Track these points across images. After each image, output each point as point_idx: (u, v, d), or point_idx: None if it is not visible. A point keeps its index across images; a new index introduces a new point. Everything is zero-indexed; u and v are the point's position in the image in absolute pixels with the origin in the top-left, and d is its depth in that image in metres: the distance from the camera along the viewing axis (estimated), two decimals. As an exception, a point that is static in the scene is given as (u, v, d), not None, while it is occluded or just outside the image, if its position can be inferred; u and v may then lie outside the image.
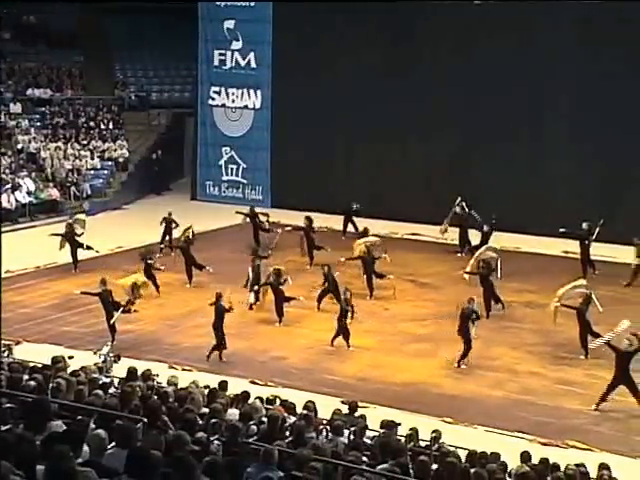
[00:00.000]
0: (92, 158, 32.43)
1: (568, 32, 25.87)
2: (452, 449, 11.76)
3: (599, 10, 25.33)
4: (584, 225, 22.36)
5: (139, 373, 12.80)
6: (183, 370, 16.74)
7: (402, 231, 26.09)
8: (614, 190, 25.59)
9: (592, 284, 21.27)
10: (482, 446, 12.09)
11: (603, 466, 11.46)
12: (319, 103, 29.19)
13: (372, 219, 26.01)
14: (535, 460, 11.45)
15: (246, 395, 12.81)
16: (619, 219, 24.52)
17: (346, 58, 28.78)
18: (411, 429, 12.51)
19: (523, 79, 26.32)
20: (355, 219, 25.99)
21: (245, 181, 31.49)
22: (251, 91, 31.06)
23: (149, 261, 21.39)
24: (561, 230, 22.36)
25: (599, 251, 22.72)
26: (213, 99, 31.74)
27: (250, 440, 9.26)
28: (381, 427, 12.26)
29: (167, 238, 24.65)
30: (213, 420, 9.66)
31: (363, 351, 18.12)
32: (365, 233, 23.24)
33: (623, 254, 23.35)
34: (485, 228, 23.42)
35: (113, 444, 6.89)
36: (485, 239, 23.20)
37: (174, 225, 24.66)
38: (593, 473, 11.28)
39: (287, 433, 10.18)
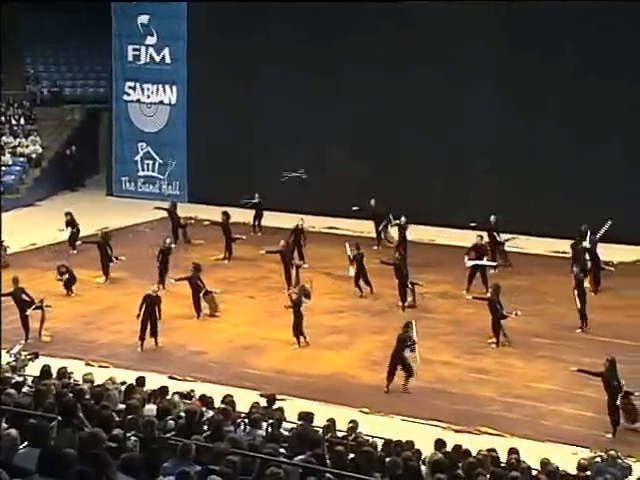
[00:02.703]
0: (3, 154, 31.75)
1: (488, 35, 26.30)
2: (368, 439, 12.01)
3: (518, 16, 25.78)
4: (492, 218, 23.03)
5: (54, 371, 12.69)
6: (100, 367, 16.64)
7: (319, 225, 26.29)
8: (527, 184, 26.16)
9: (503, 274, 21.94)
10: (398, 435, 12.38)
11: (512, 451, 11.86)
12: (235, 99, 29.15)
13: (289, 213, 26.16)
14: (449, 447, 11.77)
15: (164, 390, 12.83)
16: (531, 212, 25.20)
17: (261, 54, 28.78)
18: (328, 420, 12.71)
19: (442, 75, 26.64)
20: (262, 212, 26.15)
21: (162, 177, 31.28)
22: (166, 86, 30.83)
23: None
24: (471, 224, 22.98)
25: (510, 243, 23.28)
26: (128, 94, 31.41)
27: (168, 435, 9.31)
28: (299, 419, 12.43)
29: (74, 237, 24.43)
30: (130, 416, 9.67)
31: (281, 344, 18.26)
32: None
33: (534, 245, 24.01)
34: (402, 220, 23.64)
35: (26, 443, 6.85)
36: (402, 232, 23.55)
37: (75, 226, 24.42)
38: (503, 457, 11.65)
39: (205, 427, 10.24)
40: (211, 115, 29.47)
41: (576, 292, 18.60)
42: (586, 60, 25.11)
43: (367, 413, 15.23)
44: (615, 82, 24.78)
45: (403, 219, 23.53)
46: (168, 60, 30.64)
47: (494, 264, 21.79)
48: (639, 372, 16.40)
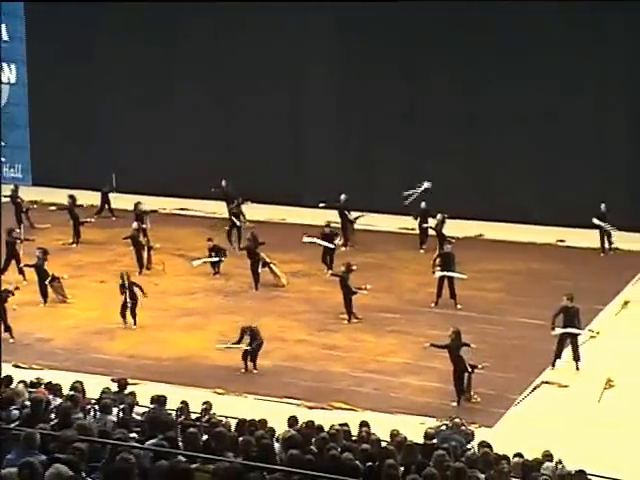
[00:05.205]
0: None
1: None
2: (222, 419, 12.02)
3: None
4: (342, 196, 23.28)
5: None
6: (-62, 360, 15.92)
7: (170, 206, 25.96)
8: (375, 163, 26.58)
9: (354, 252, 22.31)
10: (252, 414, 12.44)
11: (363, 424, 12.14)
12: (77, 78, 28.30)
13: (141, 195, 25.66)
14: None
15: (8, 379, 12.42)
16: (378, 189, 25.67)
17: (102, 31, 27.99)
18: (182, 402, 12.67)
19: (281, 56, 26.69)
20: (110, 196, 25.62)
21: (3, 159, 30.07)
22: (4, 65, 29.60)
23: None
24: (321, 205, 23.24)
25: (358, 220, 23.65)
26: (-38, 73, 29.99)
27: (11, 425, 9.02)
28: (151, 402, 12.32)
29: None
30: (-30, 408, 9.31)
31: (132, 328, 18.00)
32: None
33: (379, 222, 24.45)
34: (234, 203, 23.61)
35: None
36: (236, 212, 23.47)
37: None
38: (355, 431, 11.89)
39: (52, 415, 10.00)
40: (54, 95, 28.52)
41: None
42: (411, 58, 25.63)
43: (221, 394, 15.26)
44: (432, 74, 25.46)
45: (235, 202, 23.45)
46: (5, 37, 29.39)
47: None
48: (484, 342, 17.11)
